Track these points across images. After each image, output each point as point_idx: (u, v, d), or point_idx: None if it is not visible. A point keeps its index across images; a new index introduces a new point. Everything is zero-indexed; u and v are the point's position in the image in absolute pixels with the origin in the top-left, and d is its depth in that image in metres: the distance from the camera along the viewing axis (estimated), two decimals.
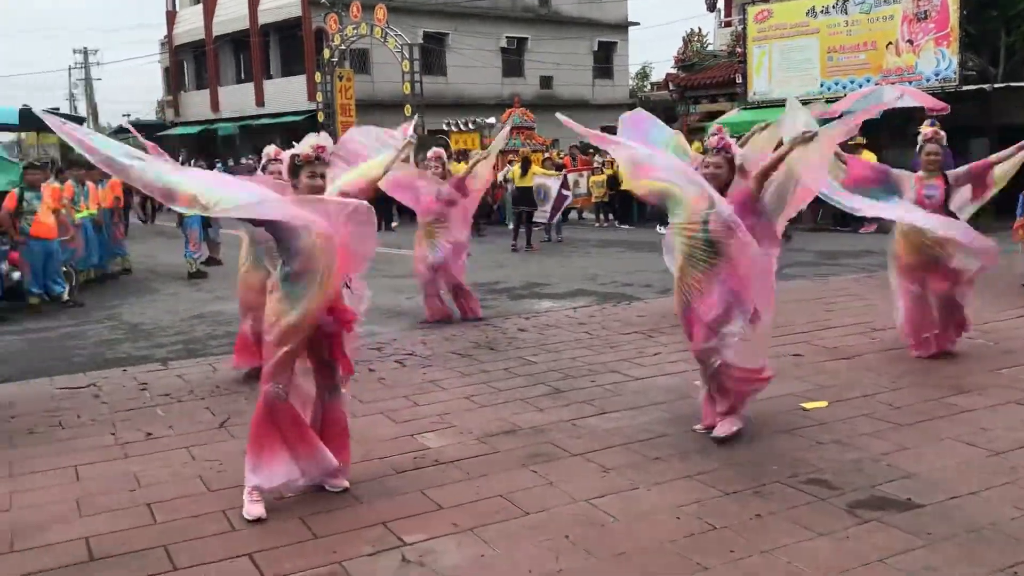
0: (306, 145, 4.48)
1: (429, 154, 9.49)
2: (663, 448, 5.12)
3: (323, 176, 4.49)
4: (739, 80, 22.09)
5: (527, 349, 7.78)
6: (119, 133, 50.08)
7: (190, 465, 5.14)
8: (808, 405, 5.79)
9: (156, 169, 4.21)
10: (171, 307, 10.77)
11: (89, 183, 12.89)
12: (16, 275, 10.80)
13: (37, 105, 13.29)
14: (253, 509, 4.30)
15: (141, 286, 12.81)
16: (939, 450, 4.93)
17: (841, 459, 4.82)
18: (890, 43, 17.87)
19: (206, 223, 13.92)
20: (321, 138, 4.54)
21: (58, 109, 37.51)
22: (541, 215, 16.52)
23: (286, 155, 4.57)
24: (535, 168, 16.36)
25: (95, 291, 12.26)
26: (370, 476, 4.80)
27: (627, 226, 19.62)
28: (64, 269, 11.16)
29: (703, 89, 24.69)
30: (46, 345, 8.82)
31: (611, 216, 20.61)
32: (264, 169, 6.97)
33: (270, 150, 7.02)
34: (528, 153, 17.16)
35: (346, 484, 4.59)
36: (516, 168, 16.66)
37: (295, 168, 4.47)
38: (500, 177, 18.15)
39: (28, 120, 13.25)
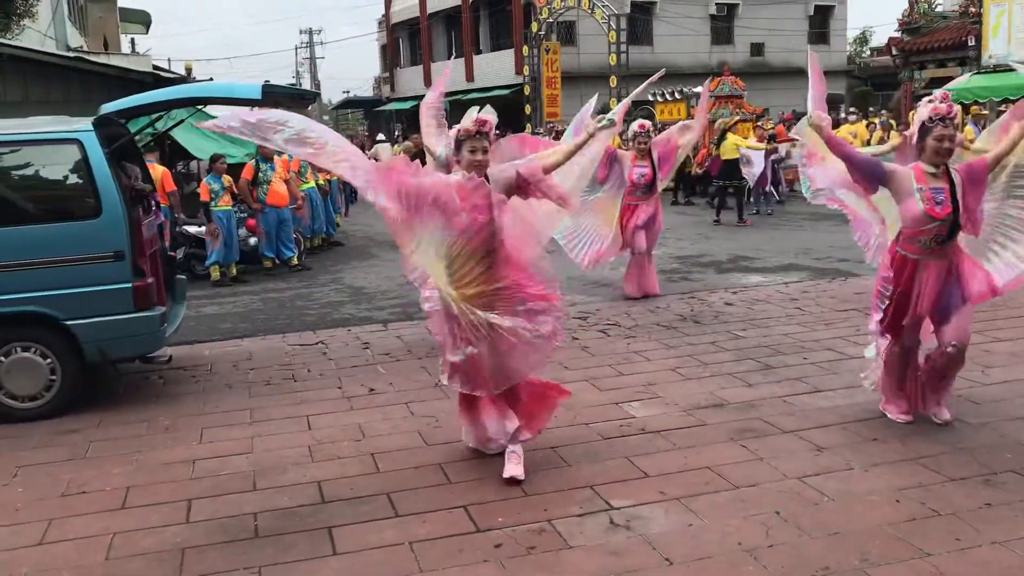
0: (468, 120, 4.38)
1: (635, 126, 9.21)
2: (881, 429, 4.90)
3: (485, 151, 4.36)
4: (971, 43, 20.40)
5: (735, 324, 7.62)
6: (340, 108, 53.15)
7: (409, 420, 5.44)
8: None
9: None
10: (389, 273, 11.34)
11: None
12: (253, 240, 11.76)
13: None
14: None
15: (362, 252, 13.57)
16: None
17: None
18: None
19: None
20: (485, 112, 4.47)
21: (293, 84, 40.21)
22: (749, 176, 15.85)
23: (453, 130, 4.51)
24: (733, 138, 15.74)
25: (320, 257, 13.12)
26: (577, 440, 4.91)
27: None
28: (294, 235, 12.03)
29: (930, 53, 22.99)
30: (279, 305, 9.56)
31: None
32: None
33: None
34: (728, 123, 16.52)
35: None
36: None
37: (458, 143, 4.39)
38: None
39: (268, 94, 14.28)
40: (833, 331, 7.22)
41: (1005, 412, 5.06)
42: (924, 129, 4.63)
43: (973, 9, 20.57)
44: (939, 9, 24.02)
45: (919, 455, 4.50)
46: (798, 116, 23.18)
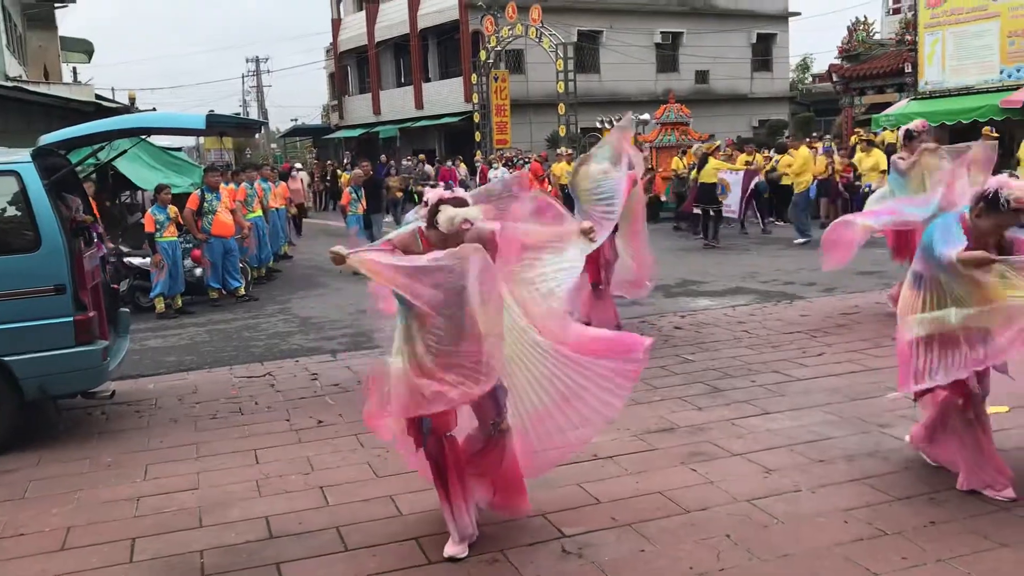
0: (450, 215, 3.80)
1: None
2: (828, 450, 4.96)
3: (457, 236, 3.85)
4: (908, 69, 21.00)
5: (684, 347, 7.69)
6: (288, 136, 52.83)
7: (358, 452, 5.38)
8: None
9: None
10: (338, 302, 11.26)
11: (258, 185, 13.69)
12: (198, 271, 11.59)
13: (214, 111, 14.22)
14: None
15: (310, 281, 13.46)
16: None
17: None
18: None
19: (367, 223, 14.48)
20: (472, 210, 3.86)
21: (239, 114, 39.95)
22: (728, 212, 16.08)
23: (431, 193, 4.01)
24: (714, 162, 15.92)
25: (267, 286, 12.98)
26: None
27: (782, 223, 18.83)
28: (240, 265, 11.89)
29: (869, 80, 23.62)
30: (226, 336, 9.42)
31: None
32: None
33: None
34: (709, 148, 16.75)
35: None
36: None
37: (433, 211, 3.88)
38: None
39: (213, 124, 14.20)
40: (779, 353, 7.31)
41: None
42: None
43: (909, 37, 21.18)
44: (877, 37, 24.72)
45: (865, 475, 4.57)
46: (741, 142, 23.64)
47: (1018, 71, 17.46)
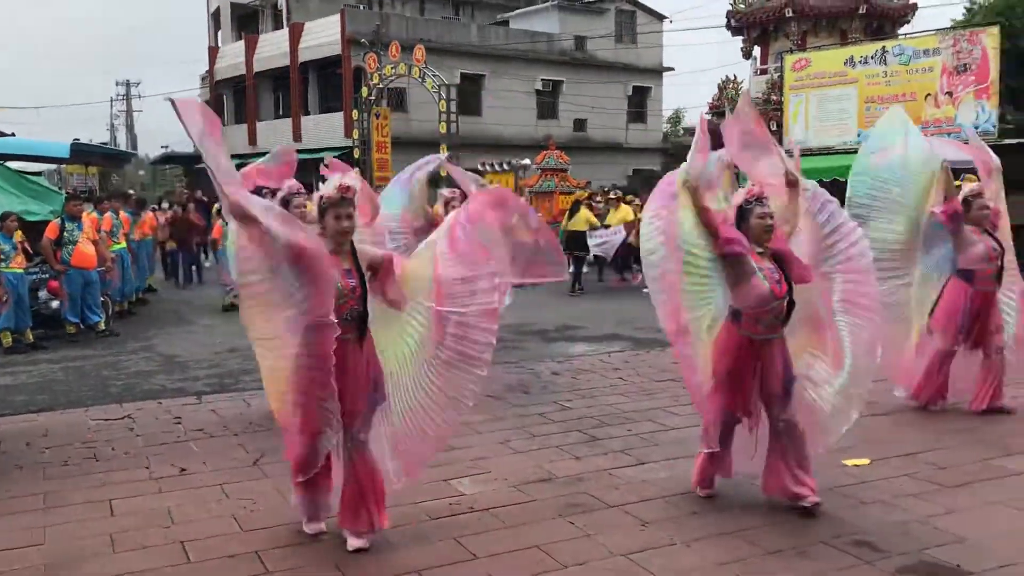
0: (330, 185, 4.26)
1: (446, 192, 9.00)
2: (701, 502, 5.02)
3: (350, 217, 4.27)
4: (774, 128, 22.06)
5: (561, 394, 7.71)
6: (159, 163, 51.01)
7: (224, 503, 5.11)
8: (849, 462, 5.65)
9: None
10: (205, 340, 10.81)
11: (123, 215, 13.10)
12: (55, 303, 10.93)
13: (82, 138, 13.62)
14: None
15: (176, 317, 12.91)
16: (988, 515, 4.79)
17: (886, 520, 4.70)
18: (929, 95, 17.80)
19: None
20: (347, 177, 4.33)
21: (105, 143, 38.26)
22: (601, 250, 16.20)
23: (314, 196, 4.40)
24: (585, 213, 16.15)
25: (130, 321, 12.37)
26: (404, 521, 4.74)
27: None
28: (101, 299, 11.29)
29: None
30: (82, 375, 8.88)
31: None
32: (287, 204, 6.26)
33: (292, 183, 6.46)
34: (582, 196, 17.03)
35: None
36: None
37: (321, 210, 4.30)
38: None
39: (77, 153, 13.57)
40: (654, 401, 7.43)
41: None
42: (744, 212, 4.83)
43: (775, 97, 22.28)
44: None
45: (738, 528, 4.63)
46: (616, 190, 24.20)
47: None
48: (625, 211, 16.59)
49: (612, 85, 38.87)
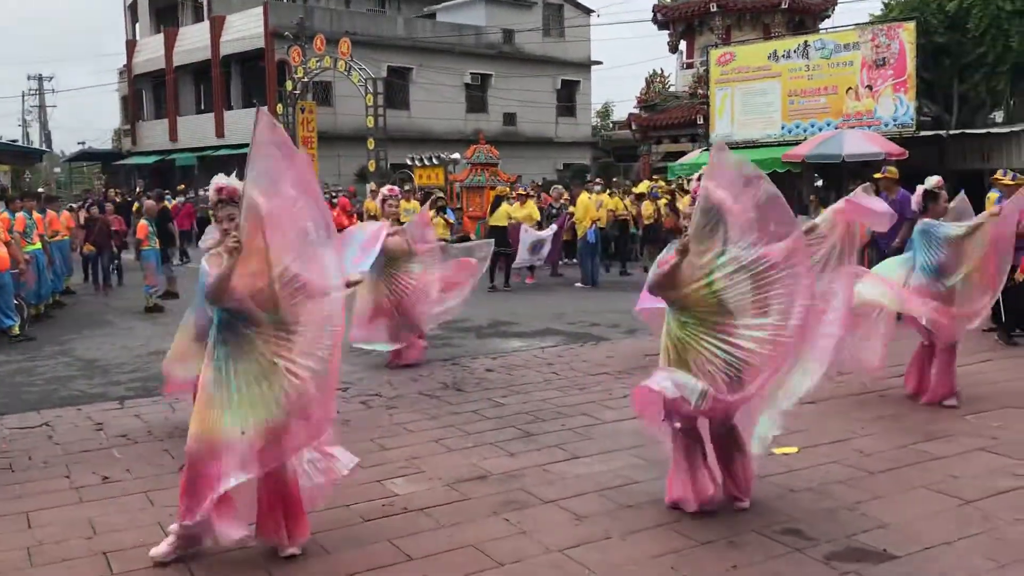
0: (211, 189, 4.34)
1: (385, 190, 9.13)
2: (635, 495, 5.05)
3: (231, 218, 4.18)
4: (700, 121, 22.41)
5: (496, 390, 7.68)
6: (75, 161, 49.42)
7: (148, 511, 4.96)
8: (778, 450, 5.74)
9: None
10: (127, 342, 10.50)
11: (36, 215, 12.63)
12: None
13: None
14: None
15: (96, 320, 12.50)
16: (912, 499, 4.92)
17: (815, 508, 4.79)
18: (850, 88, 18.25)
19: (164, 257, 13.68)
20: (225, 179, 4.34)
21: (16, 141, 36.88)
22: (531, 260, 15.96)
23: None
24: (506, 207, 15.95)
25: (46, 325, 11.95)
26: (337, 524, 4.66)
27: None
28: (15, 302, 10.86)
29: (665, 129, 25.01)
30: None
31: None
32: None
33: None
34: (503, 191, 16.82)
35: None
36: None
37: (214, 209, 4.35)
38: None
39: None
40: (587, 395, 7.45)
41: None
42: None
43: (701, 91, 22.61)
44: (672, 89, 26.24)
45: (670, 519, 4.67)
46: (546, 184, 24.30)
47: (797, 127, 19.01)
48: (531, 207, 16.32)
49: (541, 79, 38.97)
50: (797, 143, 18.38)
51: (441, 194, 17.55)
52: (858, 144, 16.85)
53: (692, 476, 4.72)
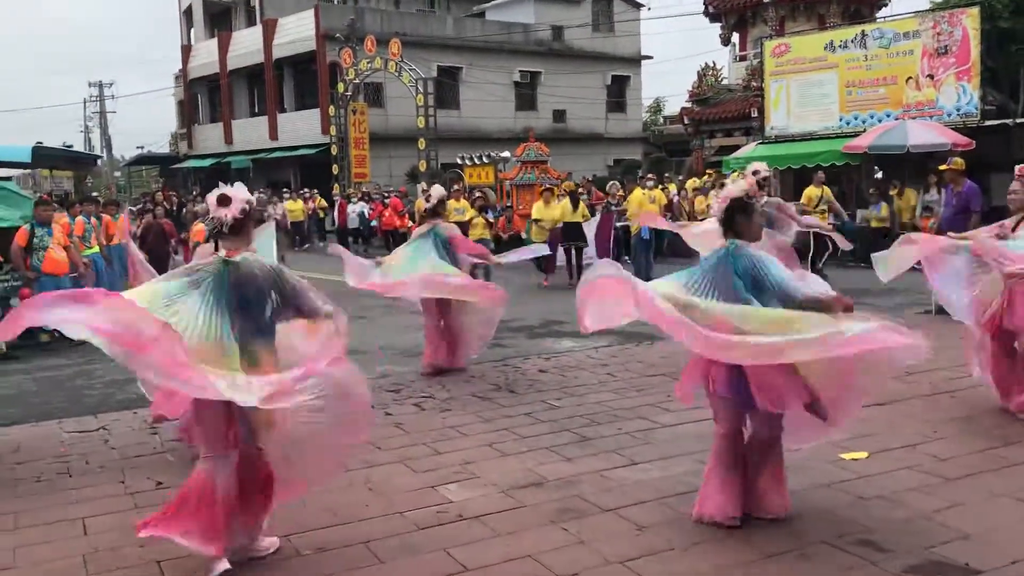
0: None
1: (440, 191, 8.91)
2: None
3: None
4: (755, 114, 21.98)
5: (549, 392, 7.54)
6: (134, 165, 50.43)
7: None
8: (847, 456, 5.51)
9: None
10: None
11: (104, 217, 12.81)
12: None
13: (54, 140, 13.34)
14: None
15: None
16: (994, 508, 4.66)
17: (889, 517, 4.56)
18: (910, 78, 17.70)
19: None
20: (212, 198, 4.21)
21: (71, 146, 37.69)
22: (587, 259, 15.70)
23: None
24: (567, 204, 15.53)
25: None
26: (391, 532, 4.56)
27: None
28: None
29: (718, 123, 24.61)
30: (55, 385, 8.63)
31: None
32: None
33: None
34: (572, 187, 16.54)
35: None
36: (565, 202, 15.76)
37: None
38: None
39: (40, 157, 13.22)
40: (644, 397, 7.26)
41: (809, 480, 5.15)
42: (747, 207, 4.62)
43: (755, 84, 22.17)
44: (725, 82, 25.81)
45: (737, 530, 4.48)
46: (598, 181, 24.07)
47: (855, 118, 18.51)
48: (563, 206, 15.93)
49: (590, 75, 38.71)
50: (855, 135, 17.89)
51: (480, 193, 17.34)
52: (923, 134, 16.33)
53: (723, 490, 4.51)
